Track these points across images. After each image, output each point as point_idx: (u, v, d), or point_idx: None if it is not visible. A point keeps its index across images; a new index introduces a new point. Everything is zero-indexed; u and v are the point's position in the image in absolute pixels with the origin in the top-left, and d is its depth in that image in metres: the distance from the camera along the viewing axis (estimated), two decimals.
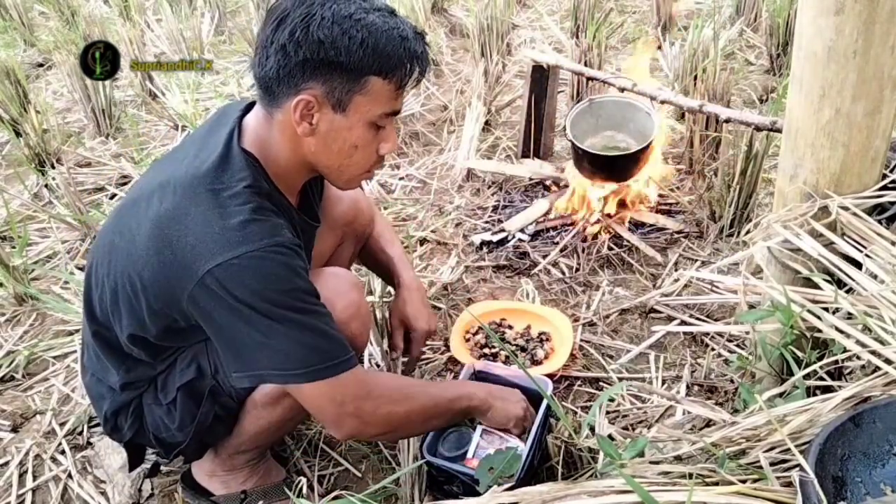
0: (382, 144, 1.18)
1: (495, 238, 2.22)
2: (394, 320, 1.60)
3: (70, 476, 1.54)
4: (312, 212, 1.35)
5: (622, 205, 2.28)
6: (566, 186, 2.37)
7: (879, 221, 1.17)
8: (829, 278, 1.15)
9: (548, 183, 2.48)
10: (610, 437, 1.29)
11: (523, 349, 1.77)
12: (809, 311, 1.12)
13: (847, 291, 1.14)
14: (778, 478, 0.89)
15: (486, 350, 1.78)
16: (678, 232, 2.19)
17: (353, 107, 1.10)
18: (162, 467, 1.50)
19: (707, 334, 1.78)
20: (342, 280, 1.28)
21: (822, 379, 1.09)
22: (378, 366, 1.75)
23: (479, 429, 1.37)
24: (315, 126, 1.11)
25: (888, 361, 0.98)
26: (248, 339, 1.08)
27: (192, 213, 1.08)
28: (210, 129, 1.21)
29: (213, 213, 1.07)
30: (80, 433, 1.64)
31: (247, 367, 1.12)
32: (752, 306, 1.30)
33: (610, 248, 2.14)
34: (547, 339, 1.80)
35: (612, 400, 1.59)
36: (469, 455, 1.33)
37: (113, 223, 1.22)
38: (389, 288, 1.89)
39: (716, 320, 1.85)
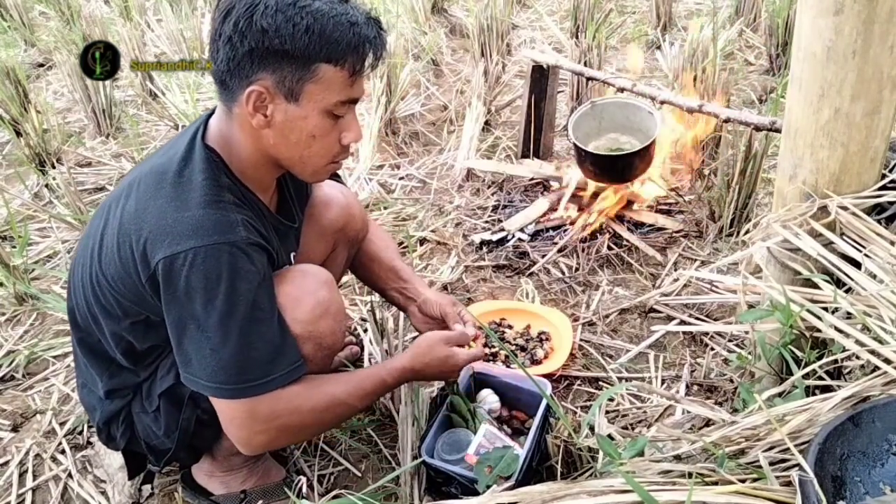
0: (345, 134, 1.16)
1: (495, 238, 2.23)
2: (434, 312, 1.52)
3: (70, 476, 1.54)
4: (289, 213, 1.34)
5: (627, 205, 2.29)
6: (566, 187, 2.37)
7: (878, 221, 1.17)
8: (828, 278, 1.15)
9: (548, 183, 2.48)
10: (609, 436, 1.29)
11: (523, 349, 1.78)
12: (809, 311, 1.12)
13: (846, 291, 1.14)
14: (777, 477, 0.89)
15: (486, 349, 1.78)
16: (677, 232, 2.20)
17: (306, 96, 1.08)
18: (155, 473, 1.49)
19: (706, 334, 1.78)
20: (311, 278, 1.24)
21: (821, 378, 1.10)
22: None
23: (482, 428, 1.36)
24: (270, 118, 1.11)
25: (887, 361, 0.99)
26: (183, 335, 1.09)
27: (150, 207, 1.09)
28: (180, 133, 1.23)
29: (169, 206, 1.08)
30: (80, 433, 1.64)
31: (182, 363, 1.12)
32: (751, 306, 1.30)
33: (609, 248, 2.14)
34: (546, 339, 1.80)
35: (611, 399, 1.60)
36: (470, 451, 1.33)
37: (88, 227, 1.24)
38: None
39: (715, 320, 1.85)
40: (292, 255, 1.37)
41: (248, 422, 1.12)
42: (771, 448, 0.96)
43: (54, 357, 1.89)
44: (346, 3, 1.09)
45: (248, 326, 1.08)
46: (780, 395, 1.09)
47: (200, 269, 1.04)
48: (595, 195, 2.30)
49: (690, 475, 0.93)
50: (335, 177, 1.59)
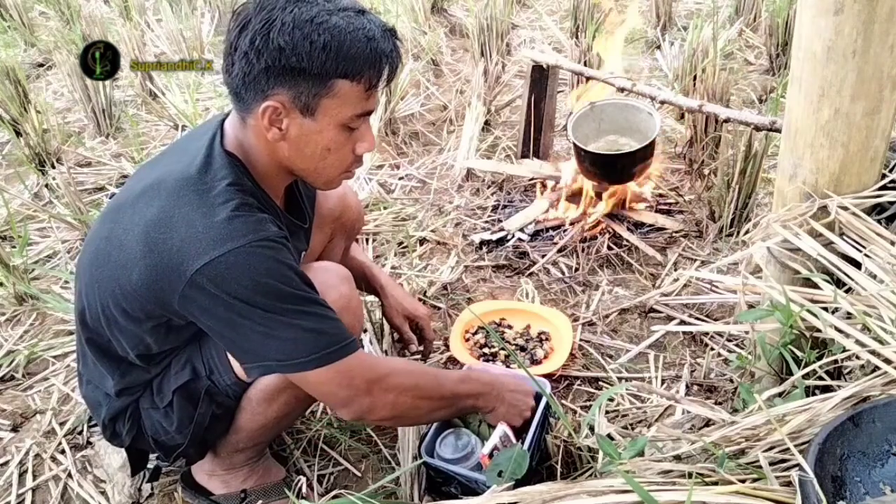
0: (359, 144, 1.16)
1: (495, 237, 2.23)
2: (397, 319, 1.64)
3: (70, 475, 1.54)
4: (300, 212, 1.35)
5: (620, 205, 2.29)
6: (562, 188, 2.37)
7: (879, 221, 1.17)
8: (828, 278, 1.15)
9: (547, 182, 2.48)
10: (609, 436, 1.29)
11: (523, 349, 1.78)
12: (809, 311, 1.12)
13: (846, 291, 1.14)
14: (777, 477, 0.89)
15: (486, 350, 1.78)
16: (677, 232, 2.20)
17: (322, 110, 1.08)
18: (162, 469, 1.50)
19: (706, 334, 1.78)
20: (331, 273, 1.28)
21: (821, 378, 1.10)
22: None
23: (499, 428, 1.35)
24: (285, 131, 1.11)
25: (887, 361, 0.99)
26: (251, 332, 1.08)
27: (175, 215, 1.08)
28: (193, 135, 1.23)
29: (196, 212, 1.07)
30: (80, 433, 1.64)
31: (254, 358, 1.12)
32: (751, 306, 1.30)
33: (609, 248, 2.14)
34: (546, 339, 1.80)
35: (611, 399, 1.60)
36: (485, 451, 1.32)
37: (98, 229, 1.22)
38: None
39: (715, 320, 1.85)
40: (303, 254, 1.38)
41: (350, 380, 1.14)
42: (771, 448, 0.96)
43: (54, 357, 1.88)
44: (363, 16, 1.08)
45: (312, 301, 1.12)
46: (780, 395, 1.09)
47: (244, 267, 1.05)
48: (597, 196, 2.30)
49: (690, 475, 0.93)
50: None
